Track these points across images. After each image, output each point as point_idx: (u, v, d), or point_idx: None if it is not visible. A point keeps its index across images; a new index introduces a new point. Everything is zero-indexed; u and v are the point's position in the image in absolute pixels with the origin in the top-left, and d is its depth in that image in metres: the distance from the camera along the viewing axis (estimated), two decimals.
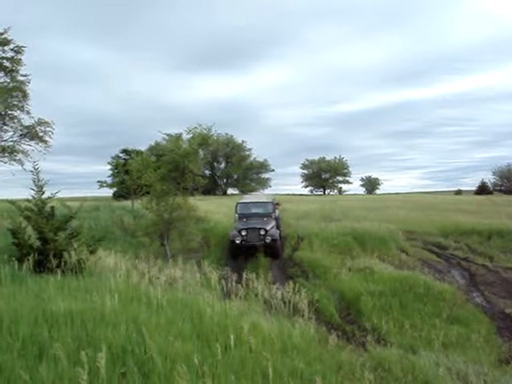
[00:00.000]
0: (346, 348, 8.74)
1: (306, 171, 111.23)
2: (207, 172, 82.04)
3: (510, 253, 24.43)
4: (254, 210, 23.46)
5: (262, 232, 20.67)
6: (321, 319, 12.62)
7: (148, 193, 20.69)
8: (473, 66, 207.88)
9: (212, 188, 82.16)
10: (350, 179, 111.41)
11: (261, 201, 24.65)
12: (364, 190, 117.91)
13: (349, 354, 8.01)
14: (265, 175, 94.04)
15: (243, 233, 20.73)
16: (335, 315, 14.11)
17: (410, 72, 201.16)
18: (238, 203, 23.95)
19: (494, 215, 33.75)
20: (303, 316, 10.13)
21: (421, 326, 13.39)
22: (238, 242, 19.42)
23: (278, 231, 22.11)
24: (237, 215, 23.19)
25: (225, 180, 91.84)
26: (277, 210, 24.31)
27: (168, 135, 21.65)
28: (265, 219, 22.31)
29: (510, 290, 18.76)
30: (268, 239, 20.38)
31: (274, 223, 22.26)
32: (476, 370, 8.29)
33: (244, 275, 15.04)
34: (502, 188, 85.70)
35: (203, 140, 19.82)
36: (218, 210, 34.17)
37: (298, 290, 12.13)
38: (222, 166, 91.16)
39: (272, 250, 20.35)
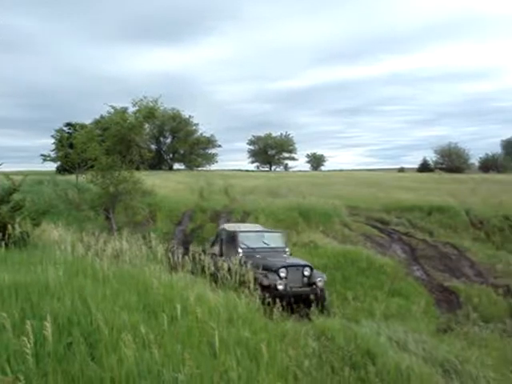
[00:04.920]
0: (291, 318, 8.98)
1: (252, 147, 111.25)
2: (153, 147, 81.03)
3: (449, 228, 25.42)
4: (263, 243, 15.62)
5: (307, 272, 13.49)
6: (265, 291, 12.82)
7: (93, 167, 20.35)
8: (413, 46, 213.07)
9: (158, 163, 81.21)
10: (296, 156, 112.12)
11: (269, 230, 17.77)
12: (309, 166, 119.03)
13: (293, 323, 8.24)
14: (211, 151, 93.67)
15: (282, 273, 13.02)
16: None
17: (351, 50, 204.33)
18: (237, 232, 15.55)
19: (435, 192, 34.80)
20: (249, 288, 10.30)
21: (363, 298, 13.89)
22: (281, 287, 12.35)
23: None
24: (240, 250, 14.77)
25: (171, 155, 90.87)
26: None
27: (113, 108, 21.03)
28: (285, 256, 14.94)
29: (448, 263, 19.62)
30: (320, 281, 13.15)
31: None
32: (415, 339, 8.69)
33: (190, 248, 15.12)
34: (443, 166, 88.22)
35: (149, 113, 19.50)
36: (164, 185, 33.87)
37: (244, 262, 12.29)
38: (169, 140, 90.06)
39: (319, 300, 12.40)
